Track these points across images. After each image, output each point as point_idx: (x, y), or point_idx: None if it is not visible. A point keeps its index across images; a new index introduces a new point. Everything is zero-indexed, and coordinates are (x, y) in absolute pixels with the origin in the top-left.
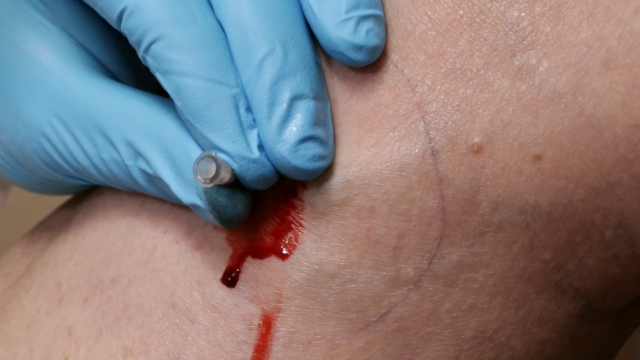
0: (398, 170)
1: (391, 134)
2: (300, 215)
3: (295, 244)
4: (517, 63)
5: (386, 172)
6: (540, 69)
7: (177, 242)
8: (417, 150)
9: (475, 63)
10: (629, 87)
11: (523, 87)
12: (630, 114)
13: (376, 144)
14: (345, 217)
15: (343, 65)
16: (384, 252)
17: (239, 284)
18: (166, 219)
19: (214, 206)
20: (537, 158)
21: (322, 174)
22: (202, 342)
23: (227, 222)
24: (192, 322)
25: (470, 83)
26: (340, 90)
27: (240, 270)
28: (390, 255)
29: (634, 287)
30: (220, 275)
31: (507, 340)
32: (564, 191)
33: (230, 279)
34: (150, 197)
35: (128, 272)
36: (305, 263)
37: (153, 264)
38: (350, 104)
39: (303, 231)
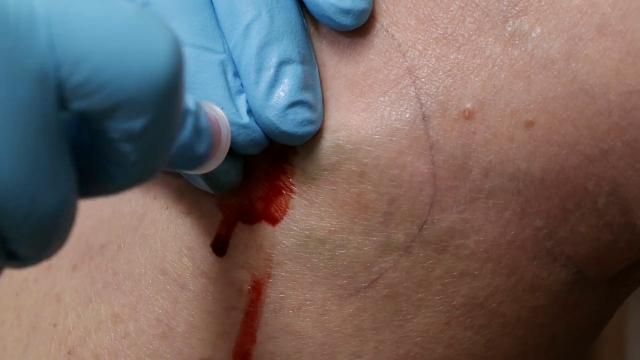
0: (389, 135)
1: (382, 98)
2: (291, 180)
3: (286, 209)
4: (509, 29)
5: (377, 137)
6: (533, 34)
7: (167, 208)
8: (407, 116)
9: (467, 28)
10: (623, 53)
11: (515, 53)
12: (623, 81)
13: (366, 109)
14: (336, 182)
15: (332, 30)
16: (374, 217)
17: (229, 250)
18: (156, 185)
19: (206, 173)
20: (530, 124)
21: (312, 139)
22: (192, 308)
23: (220, 189)
24: (182, 288)
25: (462, 49)
26: (329, 54)
27: (230, 237)
28: (381, 220)
29: (625, 255)
30: (210, 240)
31: (498, 307)
32: (557, 158)
33: (220, 246)
34: None
35: (117, 239)
36: (295, 228)
37: (142, 230)
38: (340, 67)
39: (293, 196)
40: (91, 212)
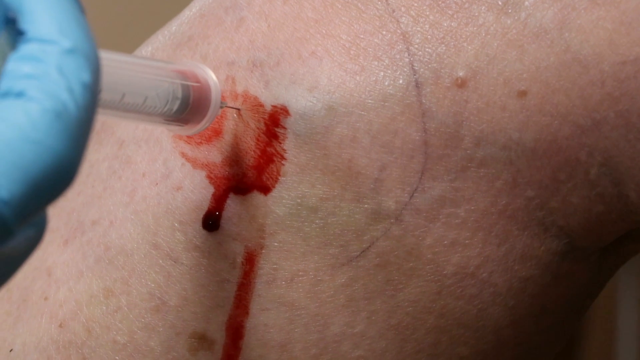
0: (381, 100)
1: (375, 63)
2: (282, 145)
3: (277, 176)
4: None
5: (370, 101)
6: (526, 3)
7: (157, 184)
8: (401, 82)
9: None
10: (616, 23)
11: (508, 22)
12: (617, 51)
13: (361, 72)
14: (327, 147)
15: None
16: (365, 184)
17: (222, 222)
18: (142, 161)
19: None
20: (522, 94)
21: (306, 98)
22: (185, 282)
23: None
24: (174, 262)
25: (455, 16)
26: (323, 14)
27: (222, 211)
28: (372, 187)
29: (617, 225)
30: (202, 214)
31: (489, 276)
32: (549, 128)
33: (211, 223)
34: (127, 140)
35: (109, 214)
36: (286, 196)
37: (134, 205)
38: (332, 28)
39: (284, 163)
40: (82, 188)
